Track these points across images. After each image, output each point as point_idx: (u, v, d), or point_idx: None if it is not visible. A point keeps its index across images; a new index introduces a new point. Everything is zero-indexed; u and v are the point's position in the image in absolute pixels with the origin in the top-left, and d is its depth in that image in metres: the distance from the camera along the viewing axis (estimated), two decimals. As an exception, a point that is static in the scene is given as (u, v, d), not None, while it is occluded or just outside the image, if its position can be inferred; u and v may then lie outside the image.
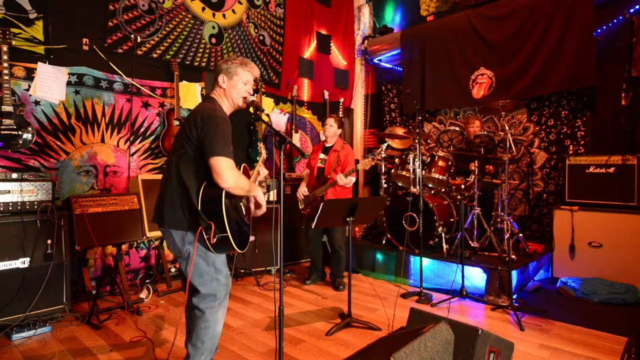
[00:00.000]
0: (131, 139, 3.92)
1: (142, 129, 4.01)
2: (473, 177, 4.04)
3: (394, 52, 5.95)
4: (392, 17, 6.32)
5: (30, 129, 3.14)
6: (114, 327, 2.95)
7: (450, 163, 4.30)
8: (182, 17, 4.29)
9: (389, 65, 6.29)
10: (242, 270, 4.24)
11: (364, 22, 6.37)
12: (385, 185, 5.11)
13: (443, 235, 4.06)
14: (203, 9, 4.49)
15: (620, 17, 4.18)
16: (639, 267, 3.65)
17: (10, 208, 2.85)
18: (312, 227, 2.90)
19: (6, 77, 3.00)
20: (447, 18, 5.36)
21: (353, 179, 3.72)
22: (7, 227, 2.81)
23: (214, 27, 4.60)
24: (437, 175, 4.25)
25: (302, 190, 3.99)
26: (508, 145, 3.81)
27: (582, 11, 4.20)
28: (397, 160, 4.53)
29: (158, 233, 3.61)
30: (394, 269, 4.21)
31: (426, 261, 3.92)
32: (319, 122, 5.90)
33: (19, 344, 2.66)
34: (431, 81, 5.49)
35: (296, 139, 5.42)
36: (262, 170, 2.36)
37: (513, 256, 3.41)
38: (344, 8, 6.32)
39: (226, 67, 2.08)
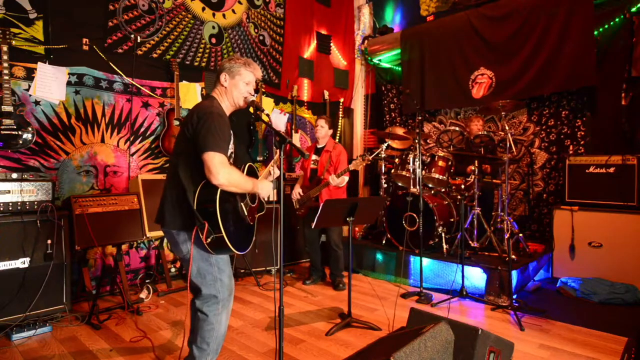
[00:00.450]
0: (131, 139, 3.92)
1: (142, 129, 4.01)
2: (473, 177, 4.04)
3: (394, 52, 5.95)
4: (392, 17, 6.32)
5: (30, 129, 3.14)
6: (114, 327, 2.95)
7: (450, 163, 4.30)
8: (182, 17, 4.29)
9: (388, 65, 6.28)
10: (242, 270, 4.24)
11: (364, 22, 6.37)
12: (385, 185, 5.11)
13: (443, 235, 4.06)
14: (203, 9, 4.49)
15: (621, 17, 4.18)
16: (639, 267, 3.65)
17: (10, 208, 2.85)
18: (312, 227, 2.90)
19: (6, 77, 3.00)
20: (447, 18, 5.36)
21: (346, 178, 3.73)
22: (7, 227, 2.81)
23: (214, 27, 4.60)
24: (437, 175, 4.24)
25: (297, 192, 4.00)
26: (508, 145, 3.81)
27: (582, 11, 4.20)
28: (397, 160, 4.53)
29: (158, 233, 3.62)
30: (394, 269, 4.21)
31: (426, 261, 3.92)
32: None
33: (19, 344, 2.66)
34: (431, 81, 5.49)
35: (296, 139, 5.42)
36: (273, 170, 2.31)
37: (513, 256, 3.41)
38: (344, 8, 6.32)
39: (229, 66, 2.08)
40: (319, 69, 5.92)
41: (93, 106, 3.68)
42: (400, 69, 5.95)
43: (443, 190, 4.46)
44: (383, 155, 5.00)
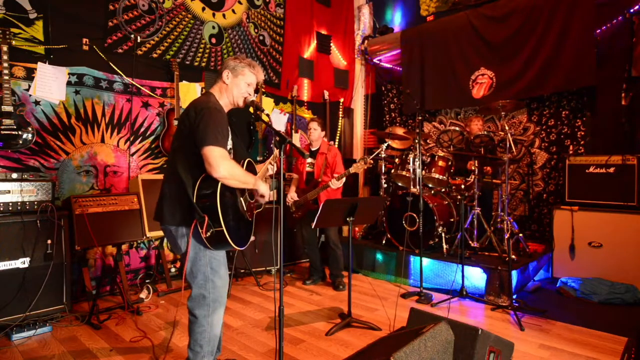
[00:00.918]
0: (131, 139, 3.92)
1: (142, 129, 4.01)
2: (473, 177, 4.04)
3: (394, 52, 5.95)
4: (392, 17, 6.32)
5: (30, 129, 3.14)
6: (114, 327, 2.95)
7: (450, 163, 4.30)
8: (182, 17, 4.29)
9: (389, 65, 6.28)
10: (242, 270, 4.24)
11: (364, 22, 6.37)
12: (385, 185, 5.11)
13: (443, 235, 4.06)
14: (203, 9, 4.49)
15: (620, 17, 4.18)
16: (639, 267, 3.65)
17: (10, 208, 2.85)
18: (312, 226, 2.90)
19: (6, 77, 3.00)
20: (447, 18, 5.36)
21: (343, 179, 3.74)
22: (7, 227, 2.81)
23: (214, 27, 4.60)
24: (437, 175, 4.24)
25: (292, 195, 3.99)
26: (508, 145, 3.81)
27: (582, 11, 4.20)
28: (397, 160, 4.53)
29: (158, 233, 3.62)
30: (394, 269, 4.21)
31: (426, 261, 3.92)
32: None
33: (19, 344, 2.66)
34: (431, 81, 5.49)
35: (296, 139, 5.42)
36: (270, 167, 2.32)
37: (513, 256, 3.41)
38: (344, 8, 6.32)
39: (234, 65, 2.08)
40: (319, 69, 5.92)
41: (93, 106, 3.68)
42: (400, 69, 5.95)
43: (443, 190, 4.46)
44: (383, 155, 5.00)
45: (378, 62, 6.31)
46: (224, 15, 4.70)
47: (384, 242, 4.51)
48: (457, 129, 4.44)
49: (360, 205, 2.96)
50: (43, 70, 3.33)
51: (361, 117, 6.57)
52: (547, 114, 4.72)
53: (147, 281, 3.90)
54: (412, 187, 4.22)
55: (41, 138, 3.35)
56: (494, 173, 4.37)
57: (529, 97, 4.73)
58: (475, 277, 3.65)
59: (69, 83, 3.51)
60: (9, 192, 2.86)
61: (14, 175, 2.91)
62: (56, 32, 3.41)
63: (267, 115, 2.15)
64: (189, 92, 4.30)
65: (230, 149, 2.10)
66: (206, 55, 4.53)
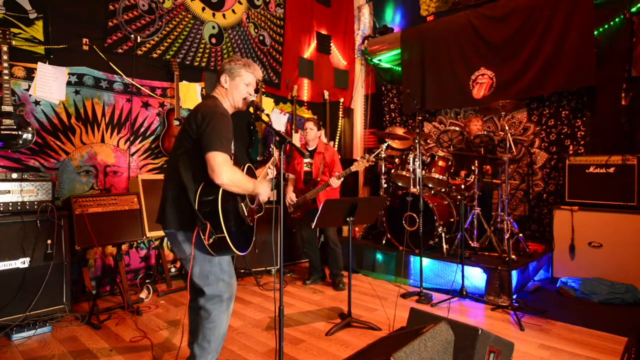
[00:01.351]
0: (131, 139, 3.92)
1: (142, 129, 4.01)
2: (473, 177, 4.04)
3: (394, 52, 5.95)
4: (392, 17, 6.32)
5: (30, 129, 3.14)
6: (114, 327, 2.95)
7: (450, 163, 4.30)
8: (182, 17, 4.29)
9: (388, 65, 6.28)
10: (242, 270, 4.24)
11: (364, 22, 6.37)
12: (385, 185, 5.11)
13: (443, 235, 4.06)
14: (203, 9, 4.49)
15: (621, 17, 4.18)
16: (639, 267, 3.65)
17: (10, 208, 2.85)
18: (312, 226, 2.91)
19: (6, 77, 3.00)
20: (447, 18, 5.36)
21: (342, 178, 3.74)
22: (7, 227, 2.81)
23: (214, 27, 4.60)
24: (437, 175, 4.25)
25: (291, 197, 3.97)
26: (508, 145, 3.81)
27: (582, 11, 4.20)
28: (397, 160, 4.54)
29: (158, 233, 3.62)
30: (394, 269, 4.21)
31: (426, 261, 3.92)
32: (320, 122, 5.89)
33: (19, 344, 2.66)
34: (431, 81, 5.49)
35: (296, 139, 5.42)
36: (270, 171, 2.32)
37: (513, 256, 3.41)
38: (344, 8, 6.32)
39: (229, 68, 2.08)
40: (319, 69, 5.92)
41: (93, 106, 3.68)
42: (400, 69, 5.95)
43: (443, 190, 4.46)
44: (383, 155, 5.00)
45: (378, 62, 6.31)
46: (224, 15, 4.70)
47: (384, 242, 4.51)
48: (457, 129, 4.44)
49: (360, 205, 2.96)
50: (43, 70, 3.33)
51: (361, 117, 6.57)
52: (547, 114, 4.72)
53: (147, 281, 3.90)
54: (412, 187, 4.22)
55: (41, 138, 3.35)
56: (494, 173, 4.37)
57: (529, 97, 4.73)
58: (475, 277, 3.65)
59: (69, 83, 3.51)
60: (9, 192, 2.86)
61: (14, 175, 2.91)
62: (56, 32, 3.41)
63: (267, 115, 2.15)
64: (189, 92, 4.30)
65: (232, 153, 2.10)
66: (206, 55, 4.53)
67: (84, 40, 3.60)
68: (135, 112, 3.94)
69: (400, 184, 4.69)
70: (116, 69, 3.77)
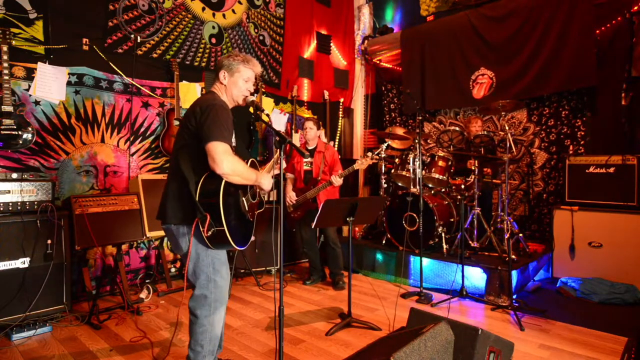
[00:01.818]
0: (131, 139, 3.92)
1: (142, 129, 4.01)
2: (473, 177, 4.04)
3: (394, 52, 5.95)
4: (392, 17, 6.32)
5: (30, 129, 3.14)
6: (114, 327, 2.95)
7: (450, 163, 4.30)
8: (182, 17, 4.29)
9: (389, 65, 6.28)
10: (242, 270, 4.24)
11: (364, 22, 6.37)
12: (385, 185, 5.11)
13: (443, 235, 4.06)
14: (203, 9, 4.49)
15: (620, 17, 4.18)
16: (639, 267, 3.65)
17: (10, 208, 2.85)
18: (312, 226, 2.91)
19: (6, 77, 3.00)
20: (447, 18, 5.36)
21: (344, 176, 3.74)
22: (7, 227, 2.81)
23: (214, 27, 4.60)
24: (437, 175, 4.24)
25: (291, 196, 3.97)
26: (508, 145, 3.81)
27: (582, 11, 4.20)
28: (397, 160, 4.54)
29: (158, 233, 3.62)
30: (394, 269, 4.21)
31: (426, 261, 3.92)
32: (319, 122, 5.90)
33: (19, 344, 2.66)
34: (431, 81, 5.49)
35: (296, 139, 5.41)
36: (275, 169, 2.32)
37: (513, 256, 3.41)
38: (344, 8, 6.32)
39: (228, 64, 2.07)
40: (319, 69, 5.92)
41: (93, 106, 3.68)
42: (400, 69, 5.95)
43: (443, 190, 4.46)
44: (383, 155, 5.00)
45: (378, 62, 6.31)
46: (224, 15, 4.70)
47: (384, 242, 4.51)
48: (457, 129, 4.44)
49: (360, 205, 2.96)
50: (43, 70, 3.33)
51: (361, 117, 6.57)
52: (547, 114, 4.72)
53: (147, 281, 3.90)
54: (412, 187, 4.22)
55: (41, 138, 3.35)
56: (494, 173, 4.37)
57: (529, 97, 4.73)
58: (475, 277, 3.65)
59: (69, 83, 3.51)
60: (9, 192, 2.86)
61: (14, 175, 2.91)
62: (56, 32, 3.41)
63: (267, 115, 2.15)
64: (189, 92, 4.30)
65: (233, 147, 2.10)
66: (206, 55, 4.53)
67: (84, 40, 3.60)
68: (135, 112, 3.94)
69: (400, 184, 4.69)
70: (116, 69, 3.77)
